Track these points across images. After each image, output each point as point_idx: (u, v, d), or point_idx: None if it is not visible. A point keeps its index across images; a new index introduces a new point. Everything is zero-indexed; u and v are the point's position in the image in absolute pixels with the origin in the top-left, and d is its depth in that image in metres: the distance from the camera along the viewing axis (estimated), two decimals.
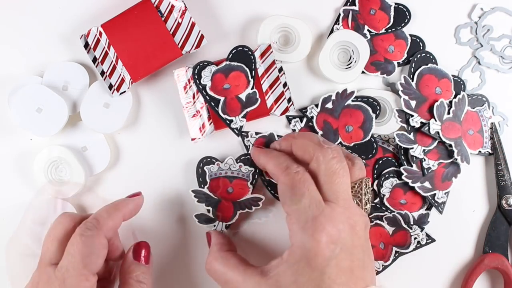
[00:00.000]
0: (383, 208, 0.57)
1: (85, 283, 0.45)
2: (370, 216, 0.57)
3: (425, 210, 0.58)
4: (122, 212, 0.49)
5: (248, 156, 0.57)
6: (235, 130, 0.56)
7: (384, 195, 0.57)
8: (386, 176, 0.57)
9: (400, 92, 0.57)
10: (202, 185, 0.56)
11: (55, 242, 0.47)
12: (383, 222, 0.57)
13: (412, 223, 0.57)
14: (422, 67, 0.58)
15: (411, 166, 0.57)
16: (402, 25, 0.58)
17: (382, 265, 0.56)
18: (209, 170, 0.56)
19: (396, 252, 0.57)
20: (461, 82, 0.58)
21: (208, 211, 0.56)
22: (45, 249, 0.48)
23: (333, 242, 0.44)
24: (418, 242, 0.57)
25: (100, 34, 0.55)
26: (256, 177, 0.56)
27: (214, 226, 0.56)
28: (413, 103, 0.57)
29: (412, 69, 0.58)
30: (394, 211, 0.57)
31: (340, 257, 0.44)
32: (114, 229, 0.49)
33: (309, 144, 0.49)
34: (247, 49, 0.55)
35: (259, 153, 0.53)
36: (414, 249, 0.57)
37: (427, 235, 0.57)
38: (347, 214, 0.45)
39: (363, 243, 0.46)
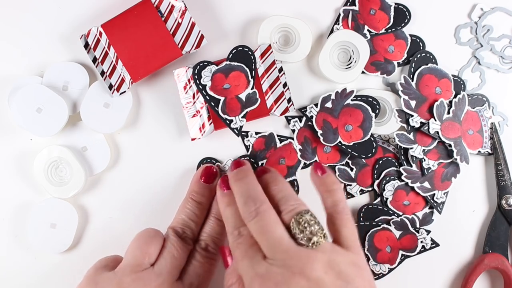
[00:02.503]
0: (390, 212, 0.57)
1: None
2: (377, 220, 0.57)
3: (429, 209, 0.58)
4: None
5: (247, 157, 0.57)
6: (235, 130, 0.56)
7: (387, 198, 0.57)
8: (387, 179, 0.57)
9: (400, 92, 0.57)
10: None
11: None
12: (390, 226, 0.57)
13: (418, 225, 0.57)
14: (422, 67, 0.58)
15: (411, 166, 0.57)
16: (402, 25, 0.58)
17: (388, 268, 0.57)
18: None
19: (402, 255, 0.57)
20: (461, 82, 0.58)
21: None
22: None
23: None
24: (423, 246, 0.57)
25: (100, 34, 0.55)
26: None
27: None
28: (413, 103, 0.57)
29: (412, 69, 0.58)
30: (400, 214, 0.57)
31: None
32: None
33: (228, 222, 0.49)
34: (247, 49, 0.55)
35: (219, 198, 0.51)
36: (418, 253, 0.57)
37: (432, 239, 0.57)
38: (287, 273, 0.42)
39: None
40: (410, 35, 0.59)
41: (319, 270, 0.41)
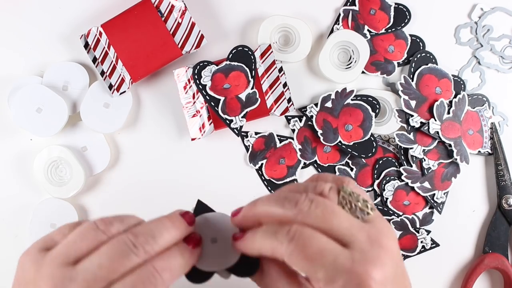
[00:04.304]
0: (390, 212, 0.57)
1: None
2: None
3: (429, 208, 0.58)
4: None
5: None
6: (235, 130, 0.56)
7: (387, 199, 0.57)
8: (387, 179, 0.57)
9: (400, 92, 0.57)
10: None
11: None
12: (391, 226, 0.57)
13: (418, 225, 0.57)
14: (422, 67, 0.58)
15: (411, 166, 0.57)
16: (402, 25, 0.58)
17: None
18: None
19: (402, 255, 0.57)
20: (461, 82, 0.58)
21: None
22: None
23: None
24: (423, 246, 0.57)
25: (100, 34, 0.55)
26: None
27: None
28: (413, 103, 0.57)
29: (412, 69, 0.58)
30: (400, 215, 0.57)
31: None
32: None
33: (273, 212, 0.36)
34: (247, 49, 0.55)
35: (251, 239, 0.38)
36: (418, 253, 0.57)
37: (432, 239, 0.57)
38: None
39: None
40: (410, 35, 0.59)
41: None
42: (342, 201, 0.36)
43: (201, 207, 0.42)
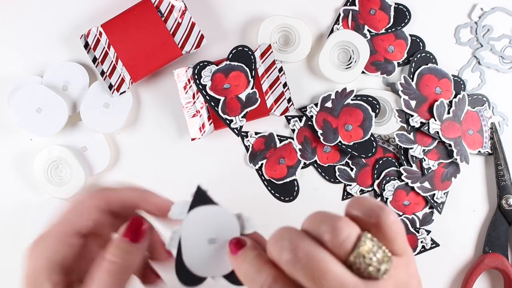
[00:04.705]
0: None
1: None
2: None
3: (429, 208, 0.58)
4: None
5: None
6: (235, 130, 0.56)
7: (387, 199, 0.57)
8: (387, 179, 0.57)
9: (400, 92, 0.57)
10: None
11: None
12: None
13: (418, 225, 0.57)
14: (422, 67, 0.58)
15: (411, 166, 0.57)
16: (402, 25, 0.58)
17: None
18: None
19: None
20: (461, 82, 0.58)
21: None
22: None
23: None
24: (423, 246, 0.57)
25: (100, 34, 0.55)
26: None
27: None
28: (413, 103, 0.57)
29: (412, 69, 0.58)
30: (400, 215, 0.57)
31: None
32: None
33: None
34: (247, 49, 0.55)
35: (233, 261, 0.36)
36: (418, 253, 0.57)
37: (432, 239, 0.57)
38: None
39: None
40: (410, 35, 0.59)
41: None
42: (352, 261, 0.32)
43: (201, 196, 0.36)
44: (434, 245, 0.57)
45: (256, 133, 0.58)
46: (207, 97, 0.55)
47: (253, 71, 0.56)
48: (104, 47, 0.56)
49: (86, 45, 0.56)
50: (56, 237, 0.38)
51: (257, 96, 0.56)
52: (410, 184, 0.57)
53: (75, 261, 0.38)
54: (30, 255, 0.38)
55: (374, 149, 0.57)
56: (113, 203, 0.40)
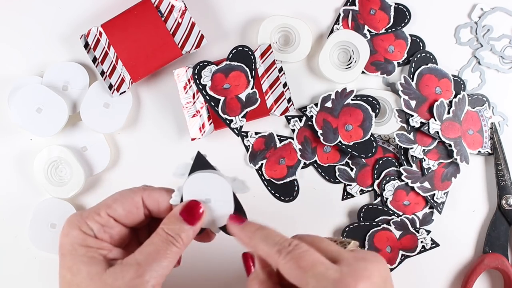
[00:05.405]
0: (390, 212, 0.57)
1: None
2: (377, 220, 0.57)
3: (429, 208, 0.58)
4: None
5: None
6: (235, 130, 0.56)
7: (387, 199, 0.57)
8: (387, 179, 0.57)
9: (400, 92, 0.57)
10: None
11: None
12: (391, 226, 0.57)
13: (418, 225, 0.57)
14: (422, 67, 0.58)
15: (411, 166, 0.57)
16: (402, 25, 0.58)
17: (389, 268, 0.57)
18: None
19: (402, 255, 0.57)
20: (461, 82, 0.58)
21: None
22: None
23: None
24: (423, 246, 0.57)
25: (100, 34, 0.55)
26: None
27: None
28: (413, 103, 0.57)
29: (412, 69, 0.58)
30: (400, 215, 0.57)
31: None
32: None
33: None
34: (247, 49, 0.55)
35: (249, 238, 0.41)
36: (418, 253, 0.57)
37: (432, 239, 0.57)
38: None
39: None
40: (410, 35, 0.59)
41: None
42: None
43: (201, 162, 0.43)
44: (434, 245, 0.57)
45: (256, 133, 0.58)
46: (207, 97, 0.55)
47: (253, 71, 0.56)
48: (104, 47, 0.56)
49: (86, 45, 0.56)
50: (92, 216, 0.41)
51: (257, 96, 0.56)
52: (410, 184, 0.57)
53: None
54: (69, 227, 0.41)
55: (374, 149, 0.57)
56: (149, 200, 0.44)
